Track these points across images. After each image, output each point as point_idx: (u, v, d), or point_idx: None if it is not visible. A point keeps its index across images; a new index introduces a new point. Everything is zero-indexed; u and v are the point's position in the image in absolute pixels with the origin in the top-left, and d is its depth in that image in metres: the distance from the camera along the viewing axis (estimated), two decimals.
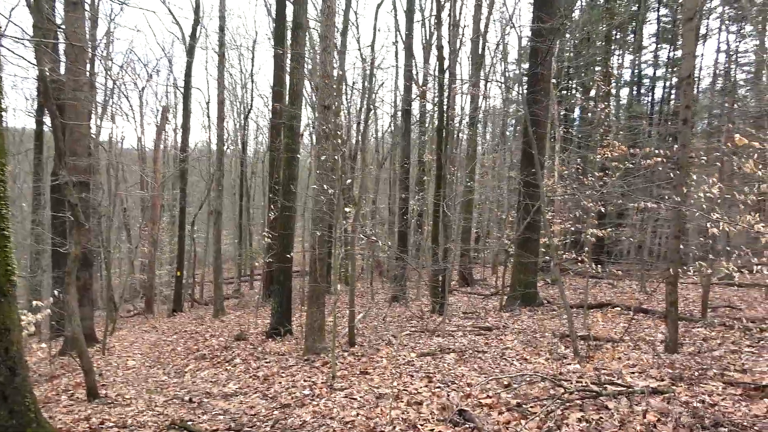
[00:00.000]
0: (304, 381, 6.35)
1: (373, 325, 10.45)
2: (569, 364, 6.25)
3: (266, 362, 8.07)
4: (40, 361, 10.40)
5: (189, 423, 5.31)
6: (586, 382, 5.03)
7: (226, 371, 7.98)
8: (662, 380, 5.31)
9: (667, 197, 6.59)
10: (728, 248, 8.46)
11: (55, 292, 7.73)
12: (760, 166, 5.29)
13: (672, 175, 7.91)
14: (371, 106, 19.57)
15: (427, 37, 19.48)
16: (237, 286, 24.64)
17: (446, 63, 12.81)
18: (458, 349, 7.36)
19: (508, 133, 28.94)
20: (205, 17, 38.24)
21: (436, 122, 13.26)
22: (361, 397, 5.33)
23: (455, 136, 17.70)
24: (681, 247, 6.92)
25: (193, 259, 24.18)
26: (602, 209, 10.32)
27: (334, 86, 6.94)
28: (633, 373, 5.70)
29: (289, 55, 10.23)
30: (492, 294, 14.59)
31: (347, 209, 7.23)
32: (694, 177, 6.43)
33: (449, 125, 12.99)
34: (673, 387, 5.02)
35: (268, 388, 6.40)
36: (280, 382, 6.56)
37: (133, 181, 26.40)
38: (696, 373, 5.59)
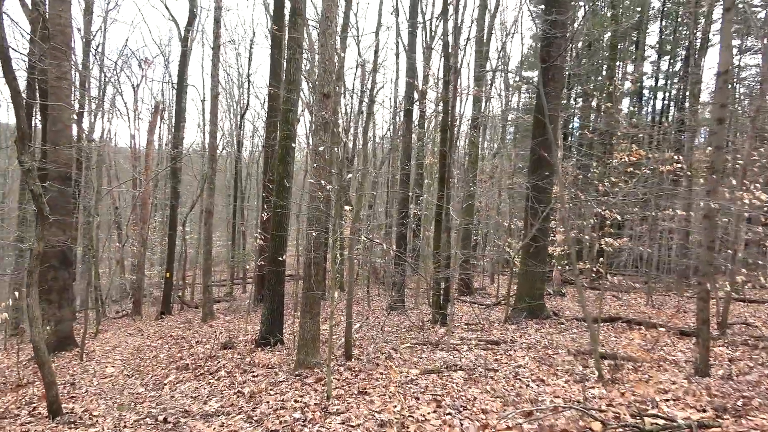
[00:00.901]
0: (295, 401, 5.63)
1: (371, 336, 9.75)
2: (592, 387, 5.58)
3: (254, 376, 7.35)
4: (14, 365, 9.62)
5: None
6: (620, 413, 4.35)
7: (209, 384, 7.25)
8: (704, 411, 4.64)
9: (701, 203, 5.93)
10: (760, 261, 7.85)
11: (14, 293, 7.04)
12: None
13: (703, 180, 7.30)
14: (373, 99, 18.93)
15: (428, 40, 18.89)
16: (229, 289, 23.90)
17: (451, 59, 12.18)
18: (466, 367, 6.66)
19: (508, 138, 28.40)
20: (203, 12, 37.63)
21: (441, 120, 12.61)
22: (360, 424, 4.61)
23: (455, 140, 17.10)
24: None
25: (184, 260, 23.41)
26: (618, 217, 9.69)
27: (335, 69, 6.27)
28: (667, 400, 5.03)
29: (285, 43, 9.57)
30: (495, 304, 13.89)
31: (347, 207, 6.57)
32: (734, 182, 5.79)
33: (453, 125, 12.32)
34: (719, 420, 4.37)
35: (254, 407, 5.68)
36: (267, 401, 5.83)
37: (125, 179, 25.64)
38: (739, 403, 4.93)
